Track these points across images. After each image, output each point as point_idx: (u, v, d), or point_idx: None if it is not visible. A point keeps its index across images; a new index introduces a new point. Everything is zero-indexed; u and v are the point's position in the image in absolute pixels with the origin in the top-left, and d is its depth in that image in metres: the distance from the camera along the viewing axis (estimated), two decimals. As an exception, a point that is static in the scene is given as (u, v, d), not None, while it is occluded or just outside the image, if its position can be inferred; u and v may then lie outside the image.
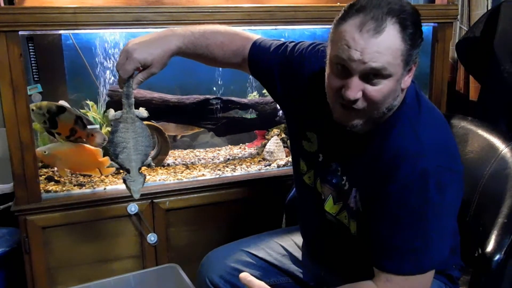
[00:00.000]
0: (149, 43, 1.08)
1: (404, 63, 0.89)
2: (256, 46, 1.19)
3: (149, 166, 1.18)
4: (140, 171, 1.15)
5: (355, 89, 0.89)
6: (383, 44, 0.86)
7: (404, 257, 0.94)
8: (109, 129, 1.67)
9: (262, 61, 1.18)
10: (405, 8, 0.88)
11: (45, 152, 1.54)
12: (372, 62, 0.86)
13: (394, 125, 0.97)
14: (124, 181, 1.15)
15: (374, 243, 0.97)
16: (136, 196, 1.15)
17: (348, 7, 0.90)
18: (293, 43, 1.16)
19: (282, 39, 1.21)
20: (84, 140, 1.60)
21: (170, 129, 1.86)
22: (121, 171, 1.17)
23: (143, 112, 1.13)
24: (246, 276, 0.91)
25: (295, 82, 1.09)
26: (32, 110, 1.46)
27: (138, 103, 1.69)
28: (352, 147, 1.03)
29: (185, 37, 1.13)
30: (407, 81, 0.94)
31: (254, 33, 1.24)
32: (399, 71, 0.89)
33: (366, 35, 0.86)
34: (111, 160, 1.14)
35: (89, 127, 1.58)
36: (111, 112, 1.13)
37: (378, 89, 0.89)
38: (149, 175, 1.66)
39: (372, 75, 0.88)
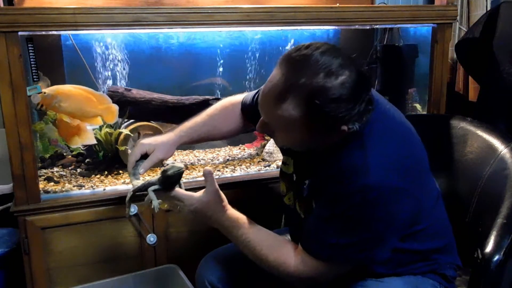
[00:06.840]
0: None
1: (309, 130, 0.95)
2: (245, 105, 1.33)
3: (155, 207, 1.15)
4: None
5: (258, 124, 1.04)
6: (279, 113, 0.93)
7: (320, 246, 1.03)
8: (108, 130, 1.68)
9: (252, 113, 1.24)
10: (322, 91, 0.89)
11: (45, 93, 1.49)
12: (265, 118, 1.00)
13: (346, 143, 1.00)
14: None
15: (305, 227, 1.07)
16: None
17: (287, 53, 0.96)
18: None
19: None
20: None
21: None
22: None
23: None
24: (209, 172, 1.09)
25: None
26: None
27: (138, 103, 1.72)
28: (316, 165, 1.07)
29: (185, 127, 1.29)
30: (333, 138, 0.98)
31: (254, 33, 1.25)
32: (298, 135, 0.97)
33: (269, 96, 0.95)
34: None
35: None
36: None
37: (274, 138, 1.06)
38: (149, 175, 1.66)
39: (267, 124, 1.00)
